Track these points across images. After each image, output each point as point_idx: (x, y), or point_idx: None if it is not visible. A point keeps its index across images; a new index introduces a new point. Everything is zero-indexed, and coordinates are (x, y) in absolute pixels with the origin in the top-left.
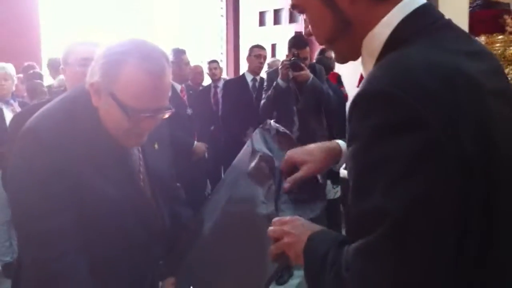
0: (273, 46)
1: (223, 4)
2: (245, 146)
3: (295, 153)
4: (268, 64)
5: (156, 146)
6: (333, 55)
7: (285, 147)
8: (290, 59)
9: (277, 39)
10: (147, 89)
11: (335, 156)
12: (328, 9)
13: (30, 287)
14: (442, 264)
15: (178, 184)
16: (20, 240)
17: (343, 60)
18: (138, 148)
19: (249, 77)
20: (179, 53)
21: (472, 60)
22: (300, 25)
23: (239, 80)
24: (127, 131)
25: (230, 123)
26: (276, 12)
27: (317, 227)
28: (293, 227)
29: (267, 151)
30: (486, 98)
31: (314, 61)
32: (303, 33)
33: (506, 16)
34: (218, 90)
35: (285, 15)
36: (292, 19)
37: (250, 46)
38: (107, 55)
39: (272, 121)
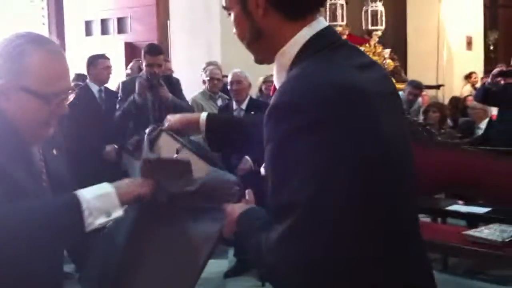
0: None
1: (45, 12)
2: None
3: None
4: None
5: (54, 151)
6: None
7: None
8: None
9: (106, 50)
10: (58, 70)
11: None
12: (245, 16)
13: None
14: (344, 241)
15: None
16: None
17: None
18: (39, 150)
19: (94, 88)
20: None
21: (363, 71)
22: (129, 36)
23: (84, 90)
24: (45, 121)
25: (84, 135)
26: (103, 22)
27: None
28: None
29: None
30: (373, 101)
31: None
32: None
33: None
34: None
35: (113, 26)
36: (120, 30)
37: (76, 56)
38: (3, 53)
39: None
